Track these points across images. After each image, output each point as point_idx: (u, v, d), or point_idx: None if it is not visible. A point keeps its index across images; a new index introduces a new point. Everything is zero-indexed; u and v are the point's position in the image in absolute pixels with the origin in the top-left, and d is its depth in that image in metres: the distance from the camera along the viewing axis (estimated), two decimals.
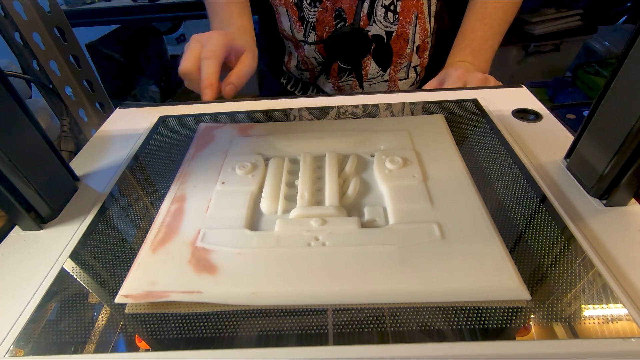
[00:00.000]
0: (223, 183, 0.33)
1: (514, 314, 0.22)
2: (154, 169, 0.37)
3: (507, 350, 0.20)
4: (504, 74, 1.34)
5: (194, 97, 0.47)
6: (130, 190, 0.34)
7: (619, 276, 0.23)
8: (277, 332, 0.22)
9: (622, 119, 0.26)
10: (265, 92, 0.75)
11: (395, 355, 0.21)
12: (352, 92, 0.63)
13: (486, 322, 0.21)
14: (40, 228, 0.30)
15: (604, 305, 0.22)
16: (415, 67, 0.61)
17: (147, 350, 0.22)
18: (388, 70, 0.60)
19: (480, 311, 0.22)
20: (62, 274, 0.27)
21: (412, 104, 0.44)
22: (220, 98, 0.47)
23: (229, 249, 0.26)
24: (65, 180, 0.34)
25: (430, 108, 0.43)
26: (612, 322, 0.21)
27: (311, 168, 0.34)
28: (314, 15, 0.56)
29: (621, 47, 0.26)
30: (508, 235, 0.26)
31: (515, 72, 1.37)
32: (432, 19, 0.58)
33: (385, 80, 0.62)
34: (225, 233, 0.28)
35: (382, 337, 0.21)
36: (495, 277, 0.23)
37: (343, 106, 0.44)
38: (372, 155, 0.35)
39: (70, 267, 0.27)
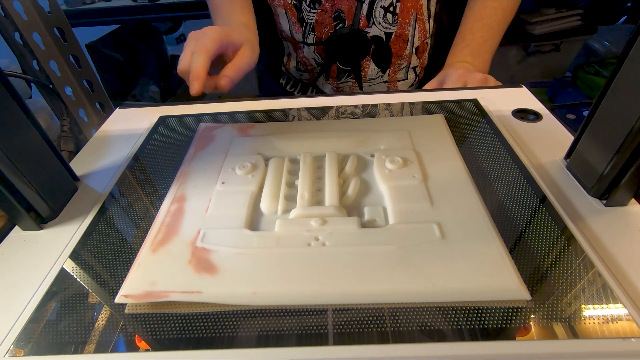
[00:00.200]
0: (223, 183, 0.33)
1: (514, 314, 0.22)
2: (154, 169, 0.37)
3: (507, 350, 0.20)
4: (504, 74, 1.34)
5: (194, 97, 0.47)
6: (130, 190, 0.34)
7: (619, 276, 0.23)
8: (277, 332, 0.22)
9: (622, 119, 0.26)
10: (264, 93, 0.75)
11: (395, 355, 0.21)
12: (352, 92, 0.63)
13: (486, 322, 0.21)
14: (40, 228, 0.30)
15: (604, 305, 0.22)
16: (414, 68, 0.61)
17: (147, 350, 0.22)
18: (387, 71, 0.60)
19: (480, 311, 0.22)
20: (62, 274, 0.27)
21: (412, 104, 0.44)
22: (220, 97, 0.47)
23: (229, 249, 0.26)
24: (65, 180, 0.34)
25: (430, 108, 0.43)
26: (612, 322, 0.21)
27: (311, 168, 0.34)
28: (313, 16, 0.56)
29: (621, 47, 0.26)
30: (508, 235, 0.26)
31: (515, 72, 1.37)
32: (432, 20, 0.58)
33: (385, 81, 0.62)
34: (225, 233, 0.28)
35: (382, 337, 0.21)
36: (495, 277, 0.23)
37: (343, 106, 0.44)
38: (372, 155, 0.35)
39: (70, 267, 0.27)
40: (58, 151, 0.32)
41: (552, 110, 0.40)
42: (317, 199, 0.31)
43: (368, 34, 0.57)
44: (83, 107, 0.57)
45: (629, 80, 0.26)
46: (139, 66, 1.67)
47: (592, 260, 0.24)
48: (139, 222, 0.31)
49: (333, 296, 0.23)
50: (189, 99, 0.48)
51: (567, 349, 0.20)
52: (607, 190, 0.29)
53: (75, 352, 0.22)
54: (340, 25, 0.56)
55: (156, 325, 0.23)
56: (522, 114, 0.40)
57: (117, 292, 0.24)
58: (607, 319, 0.21)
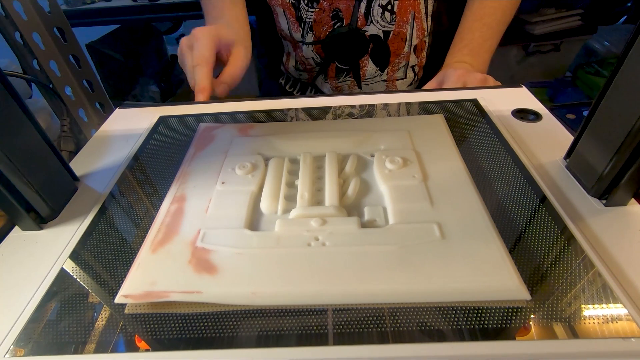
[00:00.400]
0: (223, 183, 0.33)
1: (514, 314, 0.22)
2: (154, 169, 0.37)
3: (507, 350, 0.20)
4: (504, 74, 1.34)
5: (194, 97, 0.47)
6: (130, 190, 0.34)
7: (619, 276, 0.23)
8: (277, 332, 0.22)
9: (622, 119, 0.26)
10: (264, 93, 0.75)
11: (395, 355, 0.21)
12: (351, 92, 0.63)
13: (486, 322, 0.21)
14: (40, 228, 0.30)
15: (604, 305, 0.22)
16: (413, 67, 0.61)
17: (147, 350, 0.22)
18: (386, 70, 0.60)
19: (480, 311, 0.22)
20: (62, 274, 0.27)
21: (412, 104, 0.44)
22: (217, 98, 0.47)
23: (229, 249, 0.26)
24: (65, 180, 0.34)
25: (430, 108, 0.43)
26: (612, 322, 0.21)
27: (311, 168, 0.34)
28: (312, 15, 0.56)
29: (621, 47, 0.26)
30: (508, 235, 0.26)
31: (515, 72, 1.37)
32: (429, 19, 0.58)
33: (384, 80, 0.62)
34: (225, 233, 0.28)
35: (382, 337, 0.21)
36: (495, 277, 0.23)
37: (343, 106, 0.44)
38: (372, 155, 0.35)
39: (70, 267, 0.27)
40: (58, 151, 0.32)
41: (552, 110, 0.40)
42: (317, 199, 0.31)
43: (366, 33, 0.57)
44: (83, 107, 0.57)
45: (629, 80, 0.26)
46: (139, 66, 1.67)
47: (592, 260, 0.24)
48: (139, 222, 0.31)
49: (333, 296, 0.23)
50: (189, 99, 0.48)
51: (567, 349, 0.20)
52: (607, 190, 0.29)
53: (75, 352, 0.22)
54: (339, 24, 0.56)
55: (156, 325, 0.23)
56: (522, 114, 0.40)
57: (117, 292, 0.24)
58: (607, 319, 0.21)
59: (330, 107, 0.44)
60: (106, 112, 0.60)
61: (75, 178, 0.35)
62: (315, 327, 0.22)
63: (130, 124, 0.44)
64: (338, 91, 0.64)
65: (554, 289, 0.23)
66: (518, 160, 0.33)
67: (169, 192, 0.33)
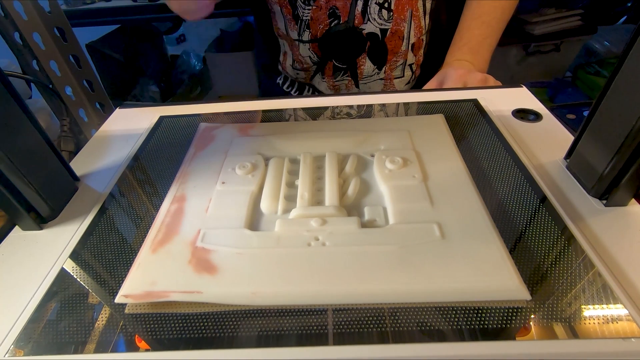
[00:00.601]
0: (223, 183, 0.33)
1: (514, 314, 0.22)
2: (154, 169, 0.37)
3: (507, 350, 0.20)
4: (504, 74, 1.34)
5: (194, 97, 0.47)
6: (130, 190, 0.34)
7: (619, 276, 0.23)
8: (277, 332, 0.22)
9: (622, 119, 0.26)
10: (262, 93, 0.75)
11: (395, 355, 0.21)
12: (351, 93, 0.63)
13: (486, 322, 0.21)
14: (40, 228, 0.30)
15: (604, 305, 0.22)
16: (410, 65, 0.61)
17: (147, 350, 0.22)
18: (383, 69, 0.60)
19: (480, 311, 0.22)
20: (62, 274, 0.27)
21: (412, 104, 0.44)
22: (220, 97, 0.47)
23: (229, 249, 0.26)
24: (65, 180, 0.34)
25: (430, 108, 0.43)
26: (612, 322, 0.21)
27: (311, 168, 0.34)
28: (308, 13, 0.56)
29: (621, 47, 0.26)
30: (508, 235, 0.26)
31: (515, 72, 1.37)
32: (427, 17, 0.58)
33: (381, 79, 0.62)
34: (225, 233, 0.28)
35: (382, 337, 0.21)
36: (495, 277, 0.23)
37: (343, 106, 0.44)
38: (372, 155, 0.35)
39: (70, 267, 0.27)
40: (58, 151, 0.32)
41: (552, 110, 0.40)
42: (317, 199, 0.31)
43: (363, 31, 0.57)
44: (83, 107, 0.57)
45: (629, 80, 0.26)
46: (139, 66, 1.67)
47: (592, 260, 0.24)
48: (139, 222, 0.31)
49: (333, 296, 0.23)
50: (189, 99, 0.48)
51: (567, 349, 0.20)
52: (607, 190, 0.29)
53: (75, 352, 0.22)
54: (335, 22, 0.56)
55: (156, 325, 0.23)
56: (522, 114, 0.40)
57: (117, 292, 0.24)
58: (607, 319, 0.21)
59: (330, 107, 0.44)
60: (106, 112, 0.60)
61: (75, 178, 0.35)
62: (315, 327, 0.22)
63: (130, 124, 0.44)
64: (335, 90, 0.64)
65: (554, 289, 0.23)
66: (518, 160, 0.33)
67: (169, 192, 0.33)
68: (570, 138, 0.34)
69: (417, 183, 0.31)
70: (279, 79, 0.67)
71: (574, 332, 0.21)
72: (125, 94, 1.62)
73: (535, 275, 0.24)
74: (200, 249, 0.27)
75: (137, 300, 0.24)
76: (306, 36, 0.59)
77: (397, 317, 0.22)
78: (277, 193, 0.31)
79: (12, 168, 0.27)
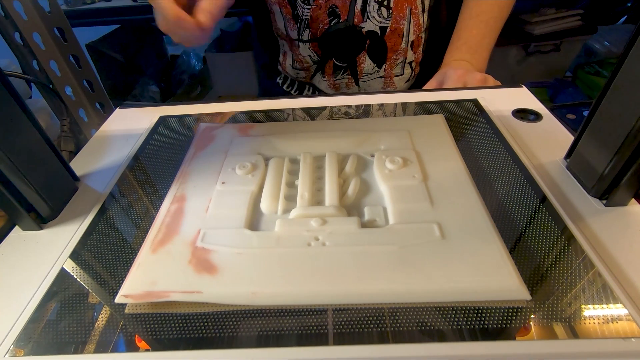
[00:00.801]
0: (223, 183, 0.33)
1: (514, 314, 0.22)
2: (154, 169, 0.37)
3: (507, 350, 0.20)
4: (504, 74, 1.34)
5: (194, 97, 0.47)
6: (130, 190, 0.34)
7: (619, 276, 0.23)
8: (277, 332, 0.22)
9: (622, 119, 0.26)
10: (261, 93, 0.75)
11: (395, 355, 0.21)
12: (351, 93, 0.63)
13: (486, 322, 0.21)
14: (40, 228, 0.30)
15: (604, 305, 0.22)
16: (410, 63, 0.61)
17: (147, 350, 0.22)
18: (383, 67, 0.60)
19: (480, 311, 0.22)
20: (62, 274, 0.27)
21: (412, 104, 0.44)
22: (219, 97, 0.47)
23: (229, 249, 0.26)
24: (65, 180, 0.34)
25: (430, 108, 0.43)
26: (612, 322, 0.21)
27: (311, 168, 0.34)
28: (308, 12, 0.56)
29: (621, 47, 0.26)
30: (508, 235, 0.26)
31: (515, 72, 1.37)
32: (426, 14, 0.58)
33: (381, 77, 0.62)
34: (225, 233, 0.28)
35: (382, 337, 0.21)
36: (495, 277, 0.23)
37: (343, 106, 0.44)
38: (372, 155, 0.35)
39: (70, 267, 0.27)
40: (58, 151, 0.32)
41: (552, 110, 0.40)
42: (317, 199, 0.31)
43: (363, 29, 0.57)
44: (83, 107, 0.57)
45: (629, 80, 0.26)
46: (139, 66, 1.67)
47: (592, 260, 0.24)
48: (139, 222, 0.31)
49: (333, 296, 0.23)
50: (189, 99, 0.48)
51: (567, 349, 0.20)
52: (607, 190, 0.29)
53: (75, 352, 0.22)
54: (335, 20, 0.56)
55: (156, 325, 0.23)
56: (522, 114, 0.40)
57: (117, 292, 0.24)
58: (607, 319, 0.21)
59: (330, 107, 0.44)
60: (106, 112, 0.60)
61: (75, 178, 0.35)
62: (315, 327, 0.22)
63: (130, 124, 0.44)
64: (336, 89, 0.64)
65: (554, 289, 0.23)
66: (518, 160, 0.33)
67: (169, 192, 0.33)
68: (570, 138, 0.34)
69: (417, 183, 0.31)
70: (278, 78, 0.67)
71: (574, 332, 0.21)
72: (125, 94, 1.62)
73: (535, 275, 0.24)
74: (200, 249, 0.27)
75: (137, 300, 0.24)
76: (306, 36, 0.59)
77: (397, 317, 0.22)
78: (277, 193, 0.31)
79: (12, 168, 0.27)
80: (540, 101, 0.42)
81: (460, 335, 0.21)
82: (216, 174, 0.34)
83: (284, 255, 0.26)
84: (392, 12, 0.56)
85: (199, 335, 0.22)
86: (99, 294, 0.25)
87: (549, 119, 0.39)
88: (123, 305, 0.24)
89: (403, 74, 0.62)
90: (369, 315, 0.22)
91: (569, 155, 0.33)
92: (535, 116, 0.39)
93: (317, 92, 0.65)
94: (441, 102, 0.43)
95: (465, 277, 0.23)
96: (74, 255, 0.28)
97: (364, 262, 0.25)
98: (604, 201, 0.29)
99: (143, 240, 0.28)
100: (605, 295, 0.22)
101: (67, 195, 0.33)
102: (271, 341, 0.21)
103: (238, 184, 0.32)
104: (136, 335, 0.22)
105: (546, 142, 0.36)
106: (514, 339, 0.21)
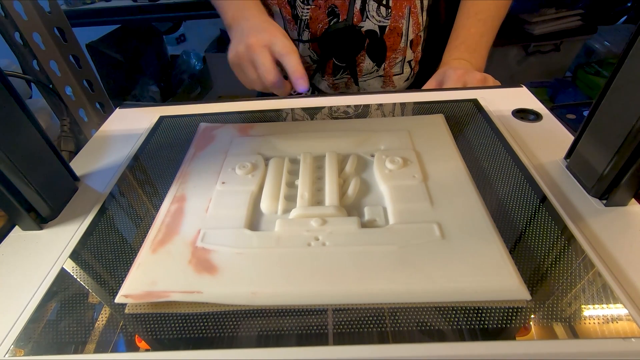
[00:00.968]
0: (223, 183, 0.33)
1: (514, 314, 0.22)
2: (154, 169, 0.37)
3: (507, 350, 0.20)
4: (504, 74, 1.34)
5: (194, 97, 0.47)
6: (130, 190, 0.34)
7: (619, 276, 0.23)
8: (277, 332, 0.22)
9: (622, 119, 0.26)
10: (261, 93, 0.75)
11: (395, 355, 0.21)
12: (351, 93, 0.63)
13: (486, 322, 0.21)
14: (40, 228, 0.30)
15: (604, 305, 0.22)
16: (409, 62, 0.61)
17: (147, 350, 0.22)
18: (383, 66, 0.61)
19: (480, 311, 0.22)
20: (62, 274, 0.27)
21: (412, 104, 0.44)
22: (219, 97, 0.47)
23: (229, 249, 0.26)
24: (65, 180, 0.34)
25: (430, 108, 0.43)
26: (612, 322, 0.21)
27: (311, 168, 0.34)
28: (307, 13, 0.56)
29: (621, 47, 0.26)
30: (508, 235, 0.26)
31: (515, 72, 1.37)
32: (424, 13, 0.58)
33: (380, 76, 0.62)
34: (225, 233, 0.28)
35: (382, 337, 0.21)
36: (495, 277, 0.23)
37: (343, 106, 0.44)
38: (372, 155, 0.35)
39: (70, 267, 0.27)
40: (58, 151, 0.32)
41: (552, 110, 0.40)
42: (317, 199, 0.31)
43: (362, 29, 0.57)
44: (83, 107, 0.57)
45: (629, 80, 0.26)
46: (139, 66, 1.67)
47: (592, 260, 0.24)
48: (139, 222, 0.31)
49: (333, 296, 0.23)
50: (189, 99, 0.48)
51: (567, 349, 0.20)
52: (607, 190, 0.29)
53: (75, 352, 0.22)
54: (335, 20, 0.57)
55: (156, 325, 0.23)
56: (522, 114, 0.40)
57: (117, 292, 0.24)
58: (607, 319, 0.21)
59: (330, 107, 0.44)
60: (106, 112, 0.60)
61: (75, 178, 0.35)
62: (315, 327, 0.22)
63: (130, 124, 0.44)
64: (335, 88, 0.64)
65: (554, 289, 0.23)
66: (518, 160, 0.33)
67: (169, 192, 0.33)
68: (570, 138, 0.34)
69: (417, 183, 0.31)
70: None
71: (574, 332, 0.21)
72: (125, 94, 1.62)
73: (535, 275, 0.24)
74: (201, 249, 0.27)
75: (137, 300, 0.24)
76: (305, 36, 0.59)
77: (397, 317, 0.22)
78: (277, 193, 0.31)
79: (12, 168, 0.27)
80: (540, 101, 0.42)
81: (460, 335, 0.21)
82: (216, 174, 0.34)
83: (284, 255, 0.26)
84: (391, 11, 0.56)
85: (199, 335, 0.22)
86: (99, 294, 0.25)
87: (549, 119, 0.39)
88: (123, 305, 0.24)
89: (402, 72, 0.62)
90: (369, 315, 0.22)
91: (569, 155, 0.33)
92: (535, 116, 0.39)
93: (317, 92, 0.65)
94: (441, 102, 0.43)
95: (465, 277, 0.23)
96: (74, 255, 0.28)
97: (364, 262, 0.25)
98: (604, 201, 0.29)
99: (143, 240, 0.28)
100: (605, 295, 0.22)
101: (67, 195, 0.33)
102: (271, 341, 0.21)
103: (238, 184, 0.32)
104: (136, 335, 0.22)
105: (546, 142, 0.36)
106: (514, 339, 0.21)
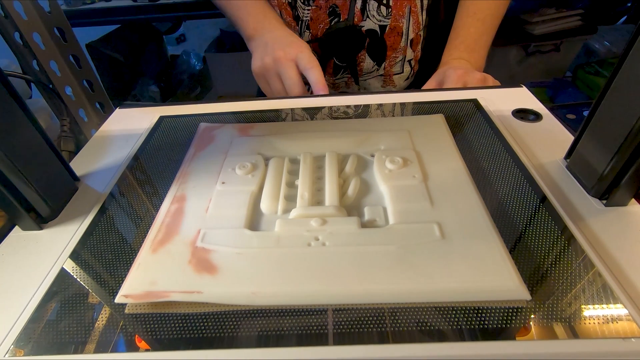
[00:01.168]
0: (223, 183, 0.33)
1: (514, 314, 0.22)
2: (154, 169, 0.37)
3: (507, 350, 0.20)
4: (504, 74, 1.34)
5: (194, 97, 0.47)
6: (130, 190, 0.34)
7: (619, 276, 0.23)
8: (277, 332, 0.22)
9: (622, 119, 0.26)
10: (261, 94, 0.75)
11: (395, 355, 0.21)
12: (351, 92, 0.63)
13: (486, 322, 0.21)
14: (40, 228, 0.30)
15: (604, 305, 0.22)
16: (409, 61, 0.61)
17: (147, 350, 0.22)
18: (383, 65, 0.61)
19: (480, 311, 0.22)
20: (62, 274, 0.27)
21: (412, 104, 0.44)
22: (219, 97, 0.47)
23: (229, 249, 0.26)
24: (65, 180, 0.34)
25: (430, 108, 0.43)
26: (612, 322, 0.21)
27: (311, 168, 0.34)
28: (308, 13, 0.57)
29: (621, 47, 0.26)
30: (508, 235, 0.26)
31: (515, 72, 1.37)
32: (424, 12, 0.58)
33: (381, 75, 0.62)
34: (225, 233, 0.28)
35: (382, 337, 0.21)
36: (495, 277, 0.23)
37: (343, 106, 0.44)
38: (372, 155, 0.35)
39: (70, 267, 0.27)
40: (58, 151, 0.32)
41: (552, 110, 0.40)
42: (317, 199, 0.31)
43: (362, 28, 0.57)
44: (83, 107, 0.57)
45: (629, 80, 0.26)
46: (139, 66, 1.67)
47: (592, 260, 0.24)
48: (139, 222, 0.31)
49: (333, 296, 0.23)
50: (189, 99, 0.48)
51: (567, 349, 0.20)
52: (607, 190, 0.29)
53: (75, 352, 0.22)
54: (335, 20, 0.57)
55: (156, 325, 0.23)
56: (522, 114, 0.40)
57: (117, 292, 0.24)
58: (607, 319, 0.21)
59: (330, 107, 0.44)
60: (106, 112, 0.60)
61: (75, 178, 0.35)
62: (315, 327, 0.22)
63: (130, 124, 0.44)
64: (335, 88, 0.64)
65: (554, 289, 0.23)
66: (518, 160, 0.33)
67: (169, 192, 0.33)
68: (570, 138, 0.34)
69: (417, 183, 0.31)
70: None
71: (574, 332, 0.21)
72: (125, 94, 1.62)
73: (535, 275, 0.24)
74: (200, 249, 0.27)
75: (137, 300, 0.24)
76: (306, 36, 0.59)
77: (397, 317, 0.22)
78: (277, 193, 0.31)
79: (12, 168, 0.27)
80: (540, 101, 0.42)
81: (460, 335, 0.21)
82: (216, 174, 0.34)
83: (284, 255, 0.26)
84: (391, 11, 0.56)
85: (199, 335, 0.22)
86: (99, 294, 0.25)
87: (549, 119, 0.39)
88: (123, 305, 0.24)
89: (402, 72, 0.62)
90: (369, 315, 0.22)
91: (569, 155, 0.33)
92: (535, 116, 0.39)
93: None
94: (441, 102, 0.43)
95: (465, 277, 0.23)
96: (74, 255, 0.28)
97: (364, 262, 0.25)
98: (604, 201, 0.29)
99: (143, 240, 0.28)
100: (605, 295, 0.22)
101: (67, 195, 0.33)
102: (271, 341, 0.21)
103: (238, 184, 0.32)
104: (136, 335, 0.22)
105: (546, 142, 0.36)
106: (514, 339, 0.21)
